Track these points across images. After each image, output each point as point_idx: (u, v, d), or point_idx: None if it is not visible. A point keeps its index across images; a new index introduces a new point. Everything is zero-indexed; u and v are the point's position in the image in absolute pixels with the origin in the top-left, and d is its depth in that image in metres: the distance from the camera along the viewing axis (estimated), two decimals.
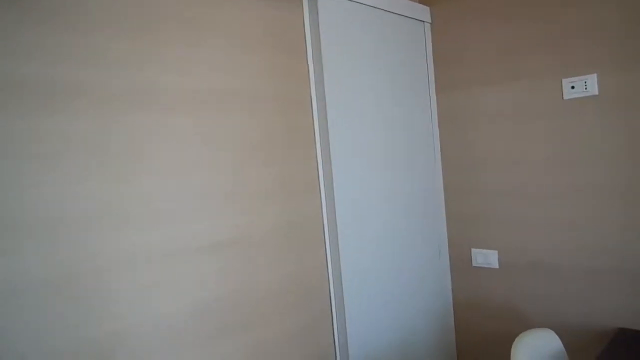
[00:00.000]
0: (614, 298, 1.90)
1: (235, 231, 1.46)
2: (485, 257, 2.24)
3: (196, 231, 1.37)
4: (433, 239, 2.29)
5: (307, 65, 1.72)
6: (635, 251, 1.84)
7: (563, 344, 2.00)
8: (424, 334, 2.18)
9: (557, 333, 2.06)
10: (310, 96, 1.72)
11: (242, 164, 1.49)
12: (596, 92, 1.84)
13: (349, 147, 1.80)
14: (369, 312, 1.87)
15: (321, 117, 1.73)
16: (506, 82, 2.08)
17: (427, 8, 2.26)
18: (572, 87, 1.89)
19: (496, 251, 2.21)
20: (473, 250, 2.28)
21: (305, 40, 1.72)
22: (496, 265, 2.21)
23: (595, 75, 1.84)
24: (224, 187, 1.44)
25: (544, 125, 1.99)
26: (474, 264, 2.29)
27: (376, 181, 1.92)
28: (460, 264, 2.34)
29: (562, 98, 1.93)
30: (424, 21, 2.25)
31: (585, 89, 1.86)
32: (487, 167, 2.18)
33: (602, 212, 1.89)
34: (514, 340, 2.10)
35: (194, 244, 1.36)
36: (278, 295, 1.59)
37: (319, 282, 1.72)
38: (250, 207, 1.51)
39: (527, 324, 2.15)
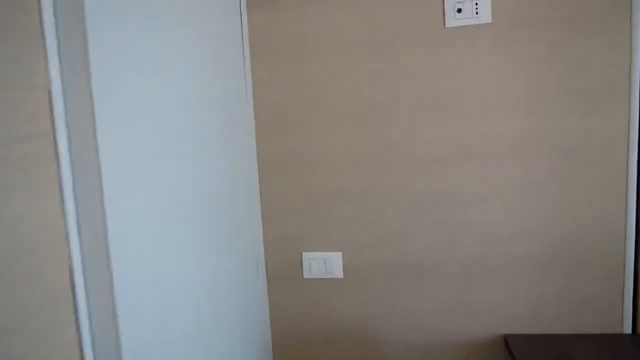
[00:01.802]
0: (494, 298, 1.44)
1: None
2: (324, 264, 1.51)
3: None
4: (249, 245, 1.42)
5: None
6: (524, 231, 1.40)
7: None
8: None
9: (431, 354, 1.49)
10: None
11: None
12: (489, 18, 1.31)
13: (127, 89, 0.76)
14: None
15: None
16: None
17: None
18: (459, 11, 1.31)
19: (340, 253, 1.50)
20: (305, 255, 1.52)
21: None
22: (340, 274, 1.50)
23: None
24: None
25: (417, 62, 1.37)
26: (306, 275, 1.52)
27: (169, 153, 0.93)
28: (284, 278, 1.54)
29: (444, 25, 1.34)
30: None
31: (476, 13, 1.31)
32: (325, 125, 1.44)
33: (494, 181, 1.39)
34: None
35: None
36: None
37: None
38: None
39: (384, 351, 1.52)
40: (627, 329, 1.38)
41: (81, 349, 0.65)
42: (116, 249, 0.70)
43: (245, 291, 1.36)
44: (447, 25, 1.33)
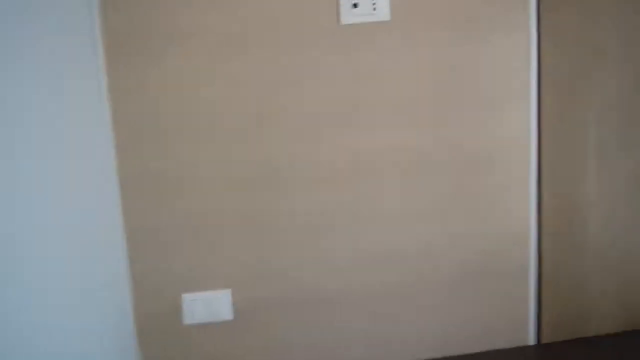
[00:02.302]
0: (402, 324, 1.32)
1: None
2: (209, 305, 1.25)
3: None
4: (109, 287, 1.11)
5: None
6: (433, 254, 1.29)
7: None
8: None
9: None
10: None
11: None
12: (387, 16, 1.18)
13: None
14: None
15: None
16: None
17: None
18: (355, 6, 1.16)
19: (228, 291, 1.25)
20: (185, 296, 1.24)
21: None
22: (229, 315, 1.26)
23: None
24: None
25: (308, 64, 1.18)
26: (187, 320, 1.25)
27: None
28: (159, 326, 1.25)
29: (339, 22, 1.17)
30: None
31: (374, 9, 1.16)
32: (202, 138, 1.19)
33: (393, 198, 1.26)
34: None
35: None
36: None
37: None
38: None
39: None
40: (533, 339, 1.35)
41: None
42: None
43: (108, 345, 1.05)
44: (342, 22, 1.16)
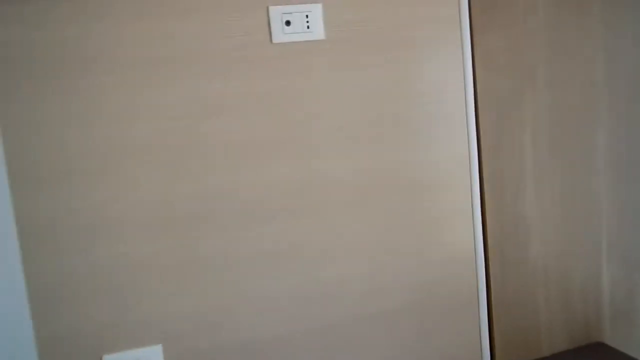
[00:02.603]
0: None
1: None
2: None
3: None
4: (8, 354, 0.92)
5: None
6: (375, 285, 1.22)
7: None
8: None
9: None
10: None
11: None
12: (322, 34, 1.11)
13: None
14: None
15: None
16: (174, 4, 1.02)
17: None
18: (288, 24, 1.08)
19: (159, 347, 1.09)
20: (107, 358, 1.06)
21: None
22: None
23: (320, 5, 1.10)
24: None
25: (237, 87, 1.08)
26: None
27: None
28: None
29: (271, 41, 1.08)
30: None
31: (308, 27, 1.09)
32: (118, 176, 1.04)
33: (334, 231, 1.17)
34: None
35: None
36: None
37: None
38: None
39: None
40: None
41: None
42: None
43: None
44: (274, 41, 1.08)
